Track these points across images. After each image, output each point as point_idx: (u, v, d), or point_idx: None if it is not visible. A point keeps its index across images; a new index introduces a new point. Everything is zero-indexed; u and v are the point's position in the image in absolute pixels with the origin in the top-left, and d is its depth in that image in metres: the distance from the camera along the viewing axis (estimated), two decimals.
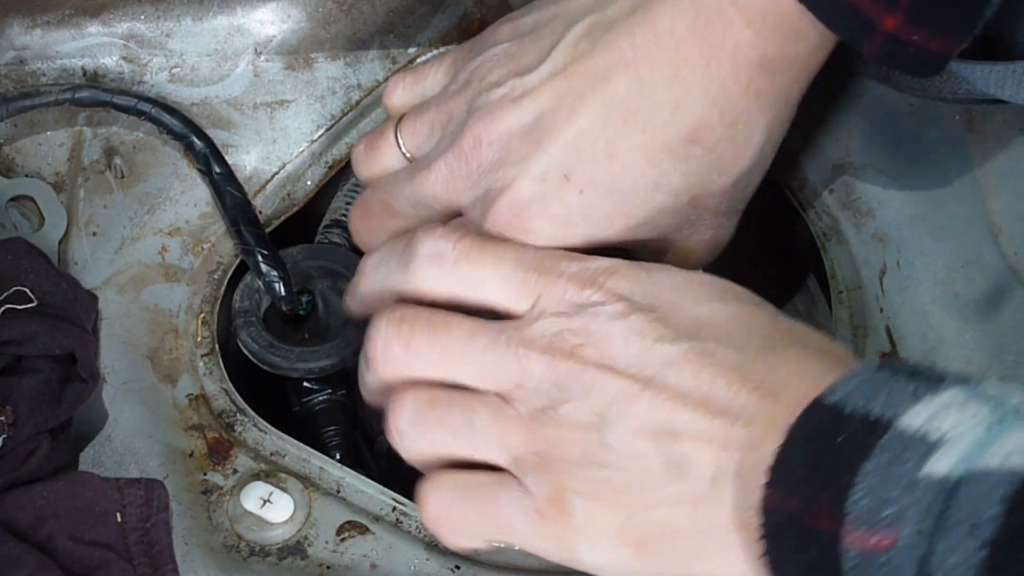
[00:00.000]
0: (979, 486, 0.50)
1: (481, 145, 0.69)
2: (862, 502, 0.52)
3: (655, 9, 0.67)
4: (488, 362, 0.64)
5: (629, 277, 0.65)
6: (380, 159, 0.76)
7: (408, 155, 0.75)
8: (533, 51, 0.70)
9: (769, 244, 0.92)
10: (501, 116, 0.69)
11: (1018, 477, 0.49)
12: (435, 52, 0.87)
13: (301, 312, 0.81)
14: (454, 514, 0.65)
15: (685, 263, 0.73)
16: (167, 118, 0.82)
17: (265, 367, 0.79)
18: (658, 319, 0.63)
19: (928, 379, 0.55)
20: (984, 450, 0.51)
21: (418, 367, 0.66)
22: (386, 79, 0.87)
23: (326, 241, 0.86)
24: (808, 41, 0.66)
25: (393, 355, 0.66)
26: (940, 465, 0.51)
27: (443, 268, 0.67)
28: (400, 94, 0.77)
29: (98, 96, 0.82)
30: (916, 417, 0.53)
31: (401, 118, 0.76)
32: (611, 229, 0.69)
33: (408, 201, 0.74)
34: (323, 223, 0.87)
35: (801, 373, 0.60)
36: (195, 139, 0.82)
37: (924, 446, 0.52)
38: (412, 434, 0.66)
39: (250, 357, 0.79)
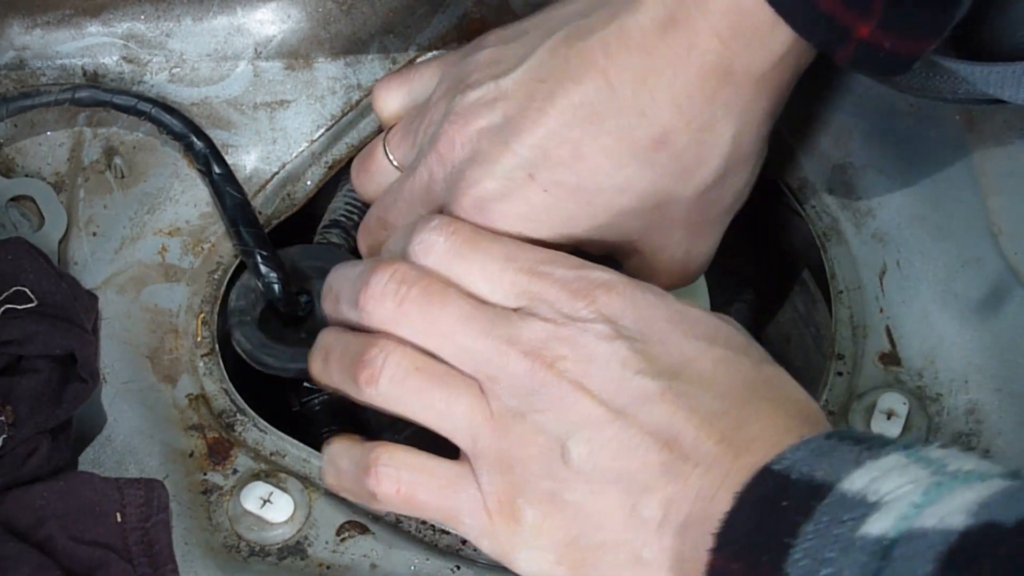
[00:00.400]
0: (915, 545, 0.50)
1: (455, 146, 0.70)
2: (801, 563, 0.52)
3: (630, 18, 0.67)
4: (471, 348, 0.65)
5: (625, 297, 0.65)
6: (373, 177, 0.77)
7: (398, 166, 0.76)
8: (512, 56, 0.71)
9: (768, 244, 0.92)
10: (474, 118, 0.70)
11: (953, 536, 0.49)
12: (434, 54, 0.87)
13: (300, 313, 0.81)
14: (408, 496, 0.66)
15: (658, 282, 0.73)
16: (167, 118, 0.82)
17: (258, 367, 0.79)
18: (643, 351, 0.63)
19: (872, 445, 0.56)
20: (921, 511, 0.51)
21: (404, 329, 0.66)
22: None
23: (325, 241, 0.85)
24: (777, 52, 0.67)
25: (384, 311, 0.67)
26: (877, 526, 0.51)
27: (433, 260, 0.67)
28: (390, 101, 0.78)
29: (98, 96, 0.82)
30: (857, 480, 0.54)
31: (389, 130, 0.77)
32: (576, 229, 0.69)
33: (400, 212, 0.74)
34: (322, 223, 0.87)
35: (766, 434, 0.60)
36: (195, 139, 0.82)
37: (863, 508, 0.53)
38: (387, 390, 0.66)
39: (243, 356, 0.79)
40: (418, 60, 0.87)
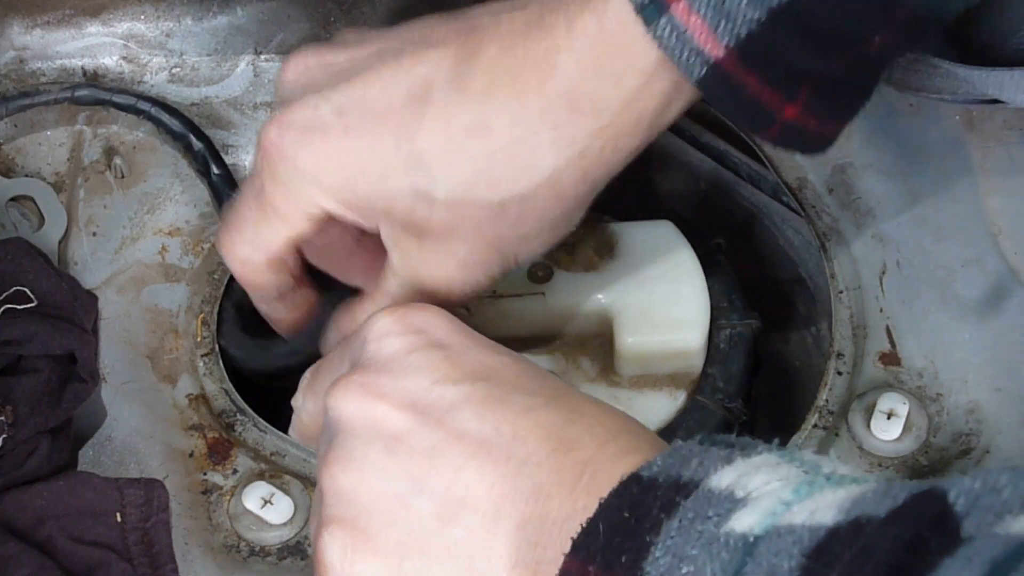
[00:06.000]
0: (780, 541, 0.48)
1: None
2: (660, 560, 0.50)
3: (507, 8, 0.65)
4: None
5: (429, 312, 0.62)
6: None
7: None
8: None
9: (766, 247, 0.92)
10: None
11: (820, 532, 0.48)
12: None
13: None
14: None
15: (433, 269, 0.67)
16: (166, 118, 0.82)
17: (244, 369, 0.79)
18: (447, 357, 0.60)
19: (746, 446, 0.54)
20: (790, 507, 0.49)
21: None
22: None
23: None
24: (629, 85, 0.63)
25: None
26: (744, 522, 0.50)
27: None
28: None
29: (98, 95, 0.82)
30: (725, 477, 0.52)
31: None
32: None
33: None
34: None
35: (593, 429, 0.57)
36: (194, 139, 0.82)
37: (729, 503, 0.51)
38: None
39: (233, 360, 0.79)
40: None
